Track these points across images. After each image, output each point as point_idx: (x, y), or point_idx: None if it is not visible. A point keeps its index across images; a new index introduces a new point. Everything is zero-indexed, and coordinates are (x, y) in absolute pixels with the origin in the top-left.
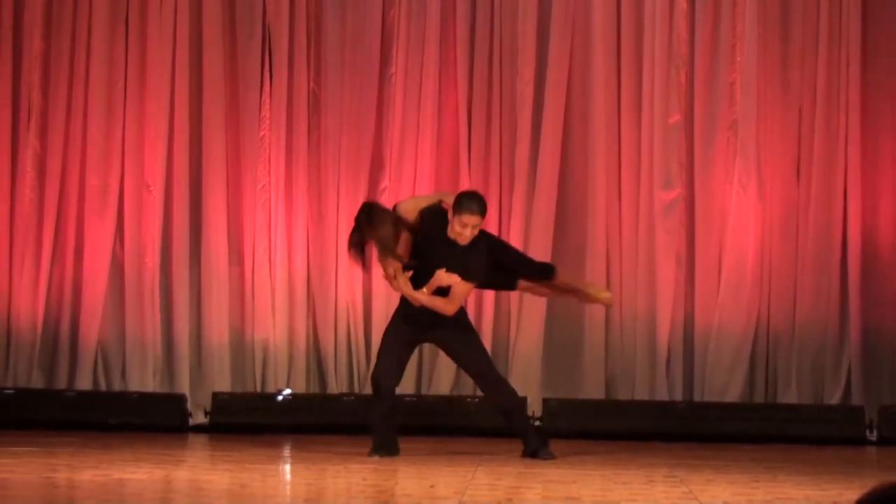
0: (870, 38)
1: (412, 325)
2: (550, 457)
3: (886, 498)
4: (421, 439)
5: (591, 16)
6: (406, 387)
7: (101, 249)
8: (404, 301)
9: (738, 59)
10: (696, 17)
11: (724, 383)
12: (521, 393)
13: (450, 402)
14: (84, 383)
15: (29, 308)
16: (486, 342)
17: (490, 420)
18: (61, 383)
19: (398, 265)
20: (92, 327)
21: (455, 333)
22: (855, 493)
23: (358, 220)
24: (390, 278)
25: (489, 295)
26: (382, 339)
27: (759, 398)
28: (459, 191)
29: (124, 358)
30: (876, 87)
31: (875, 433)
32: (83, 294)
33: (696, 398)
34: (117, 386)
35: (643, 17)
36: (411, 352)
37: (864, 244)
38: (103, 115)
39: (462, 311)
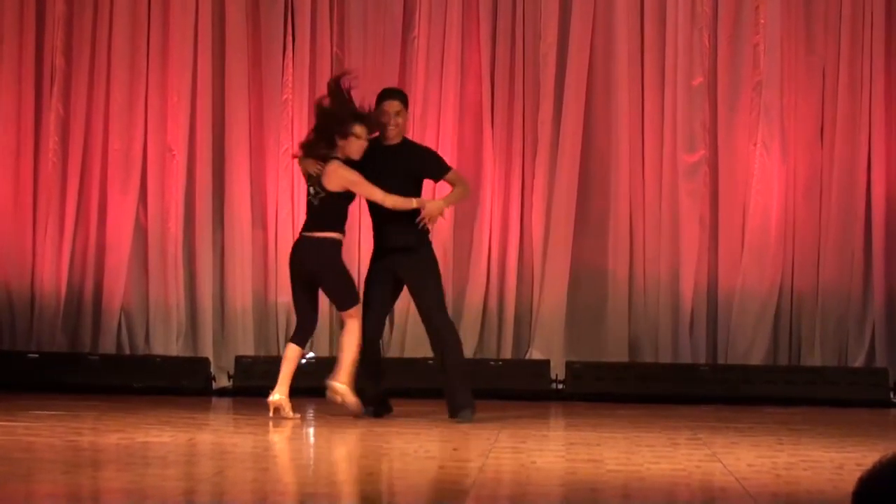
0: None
1: (385, 261)
2: (467, 420)
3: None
4: (443, 402)
5: None
6: (428, 350)
7: (124, 213)
8: (377, 238)
9: (762, 20)
10: None
11: (748, 346)
12: (544, 356)
13: (473, 365)
14: (108, 347)
15: (53, 272)
16: (509, 306)
17: (514, 383)
18: (85, 347)
19: None
20: (115, 291)
21: (417, 265)
22: (878, 455)
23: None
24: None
25: (512, 259)
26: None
27: (782, 360)
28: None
29: (148, 322)
30: None
31: None
32: (107, 258)
33: (720, 361)
34: (141, 350)
35: None
36: (394, 295)
37: (887, 205)
38: (126, 79)
39: (428, 246)
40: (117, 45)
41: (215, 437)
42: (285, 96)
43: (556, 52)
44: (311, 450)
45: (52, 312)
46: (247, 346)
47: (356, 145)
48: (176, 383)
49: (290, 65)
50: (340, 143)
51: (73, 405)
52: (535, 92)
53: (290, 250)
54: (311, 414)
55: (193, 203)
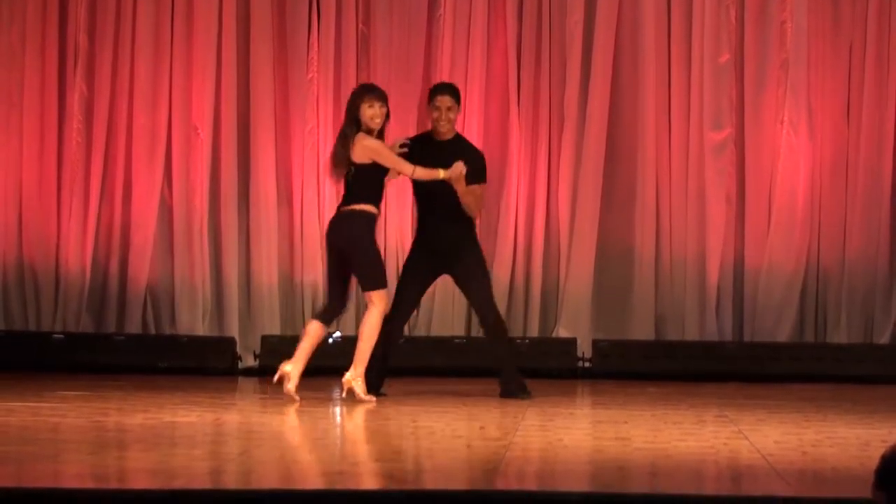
0: None
1: (430, 261)
2: (528, 396)
3: None
4: (471, 380)
5: None
6: (456, 328)
7: (149, 192)
8: (420, 230)
9: None
10: None
11: (774, 323)
12: (571, 334)
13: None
14: (133, 327)
15: (77, 252)
16: (536, 284)
17: (541, 361)
18: (110, 327)
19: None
20: (141, 270)
21: (467, 262)
22: None
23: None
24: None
25: (538, 237)
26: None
27: (808, 338)
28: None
29: (173, 301)
30: None
31: None
32: (132, 237)
33: (746, 338)
34: (166, 329)
35: None
36: (427, 286)
37: None
38: (150, 58)
39: (475, 239)
40: (141, 24)
41: (242, 416)
42: (310, 74)
43: (583, 28)
44: (338, 430)
45: (78, 293)
46: (273, 326)
47: (368, 113)
48: (202, 363)
49: (316, 43)
50: (361, 118)
51: (99, 385)
52: (561, 69)
53: (314, 229)
54: (336, 394)
55: (219, 181)
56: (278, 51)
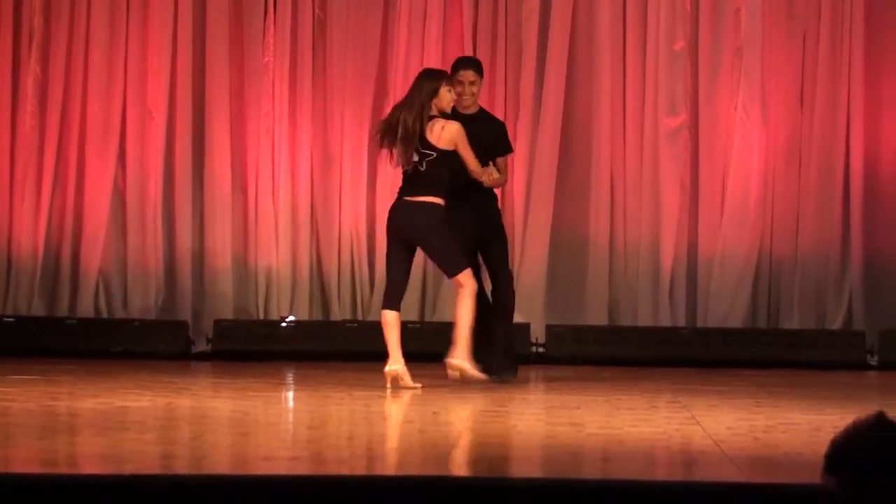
0: None
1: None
2: (511, 378)
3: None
4: (424, 366)
5: None
6: (408, 314)
7: (103, 176)
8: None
9: None
10: None
11: (727, 309)
12: (525, 320)
13: (453, 328)
14: (85, 311)
15: (30, 235)
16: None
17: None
18: (62, 311)
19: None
20: (94, 254)
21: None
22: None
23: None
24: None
25: None
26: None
27: (761, 324)
28: None
29: (126, 285)
30: (880, 13)
31: (876, 358)
32: (85, 221)
33: (700, 324)
34: (119, 313)
35: None
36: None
37: (866, 170)
38: (106, 41)
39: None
40: (97, 7)
41: (194, 401)
42: (266, 59)
43: (539, 15)
44: (291, 414)
45: (30, 276)
46: (226, 310)
47: (447, 98)
48: (154, 347)
49: (272, 27)
50: (434, 101)
51: (50, 370)
52: (517, 55)
53: (269, 213)
54: (289, 379)
55: (173, 165)
56: (234, 34)
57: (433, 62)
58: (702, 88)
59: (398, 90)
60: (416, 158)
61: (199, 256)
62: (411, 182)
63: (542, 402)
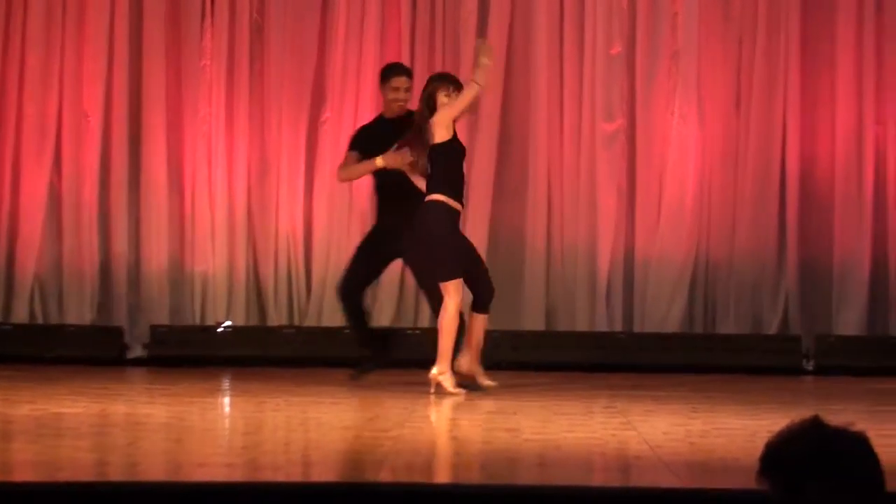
0: None
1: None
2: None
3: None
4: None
5: None
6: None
7: (38, 179)
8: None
9: None
10: None
11: (664, 314)
12: None
13: (392, 334)
14: (20, 316)
15: None
16: None
17: (431, 351)
18: None
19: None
20: (28, 259)
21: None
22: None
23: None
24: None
25: None
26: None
27: (698, 328)
28: None
29: (61, 290)
30: (815, 18)
31: (812, 363)
32: (20, 225)
33: (636, 329)
34: (54, 319)
35: None
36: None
37: (802, 174)
38: (41, 43)
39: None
40: (32, 10)
41: (129, 407)
42: (203, 62)
43: (477, 18)
44: (227, 421)
45: None
46: (162, 316)
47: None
48: (90, 353)
49: (209, 30)
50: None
51: None
52: (454, 57)
53: (206, 218)
54: (225, 384)
55: (109, 169)
56: (171, 38)
57: (371, 67)
58: (639, 93)
59: (335, 95)
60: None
61: (135, 261)
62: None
63: (478, 407)
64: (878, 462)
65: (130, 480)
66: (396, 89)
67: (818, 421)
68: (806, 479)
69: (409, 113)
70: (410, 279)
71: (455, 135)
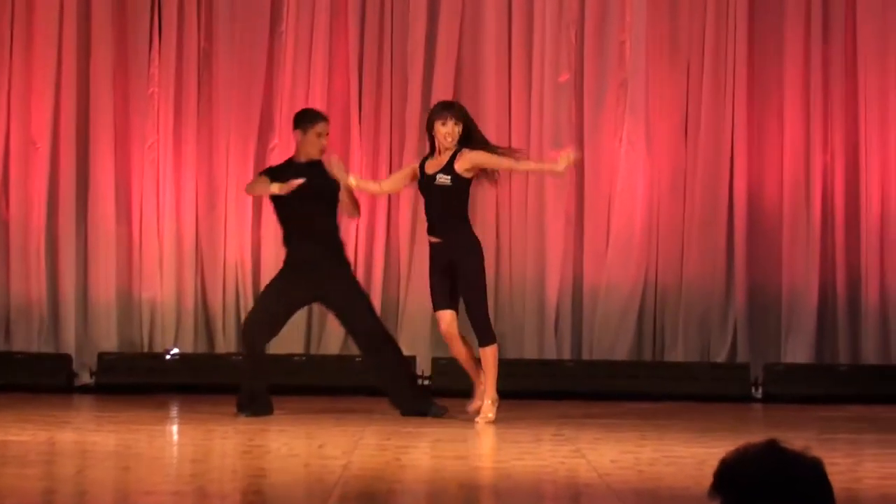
0: None
1: (301, 280)
2: (443, 411)
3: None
4: (310, 399)
5: None
6: (294, 346)
7: None
8: (293, 252)
9: (628, 18)
10: None
11: (613, 341)
12: (410, 352)
13: (339, 361)
14: None
15: None
16: (376, 301)
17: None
18: None
19: None
20: None
21: (343, 291)
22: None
23: None
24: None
25: (378, 256)
26: (264, 289)
27: (646, 356)
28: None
29: (9, 317)
30: (762, 46)
31: (760, 390)
32: None
33: (585, 356)
34: (1, 346)
35: None
36: (293, 310)
37: (749, 203)
38: None
39: (349, 267)
40: None
41: (76, 435)
42: (151, 90)
43: (424, 46)
44: (175, 448)
45: None
46: (110, 343)
47: (441, 132)
48: (37, 380)
49: (157, 57)
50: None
51: None
52: (402, 87)
53: (153, 245)
54: (174, 412)
55: (57, 196)
56: (119, 65)
57: (319, 94)
58: (587, 120)
59: (283, 122)
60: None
61: (83, 288)
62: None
63: (428, 435)
64: (831, 489)
65: None
66: (323, 134)
67: (775, 444)
68: (759, 501)
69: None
70: None
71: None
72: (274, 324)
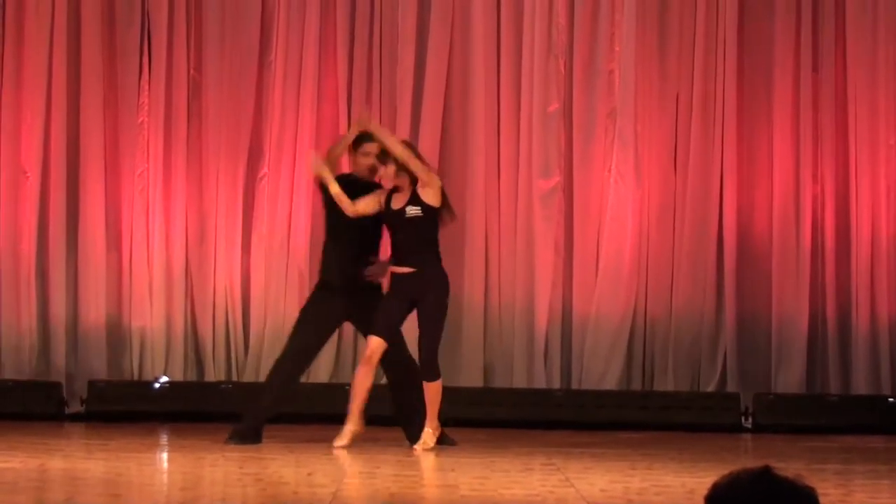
0: (745, 29)
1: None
2: (452, 442)
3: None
4: (299, 427)
5: (471, 4)
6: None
7: None
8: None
9: (617, 48)
10: (576, 6)
11: (602, 371)
12: None
13: (328, 390)
14: None
15: None
16: None
17: (369, 408)
18: None
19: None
20: None
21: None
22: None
23: None
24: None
25: None
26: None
27: (636, 386)
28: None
29: None
30: (751, 77)
31: (750, 420)
32: None
33: (574, 386)
34: None
35: (523, 6)
36: (330, 334)
37: (738, 233)
38: None
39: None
40: None
41: (66, 462)
42: (141, 119)
43: (413, 75)
44: (165, 476)
45: None
46: (100, 370)
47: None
48: (27, 408)
49: (147, 87)
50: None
51: None
52: (391, 116)
53: (143, 273)
54: (163, 440)
55: (47, 225)
56: (108, 94)
57: (308, 124)
58: (576, 150)
59: (272, 151)
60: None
61: (73, 316)
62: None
63: (416, 463)
64: None
65: None
66: (368, 154)
67: (769, 471)
68: None
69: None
70: (348, 334)
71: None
72: (313, 355)
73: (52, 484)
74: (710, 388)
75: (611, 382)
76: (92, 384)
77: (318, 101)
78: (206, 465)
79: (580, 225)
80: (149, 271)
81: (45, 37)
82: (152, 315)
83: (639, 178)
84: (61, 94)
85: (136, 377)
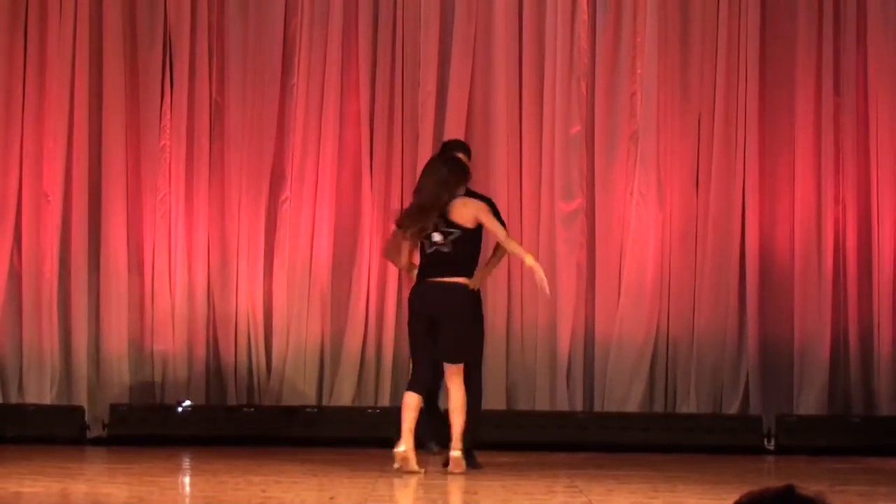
0: (767, 51)
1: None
2: (478, 466)
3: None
4: (322, 450)
5: (492, 27)
6: (307, 397)
7: None
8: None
9: (639, 70)
10: (597, 29)
11: (624, 393)
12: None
13: (351, 413)
14: None
15: None
16: (387, 354)
17: (391, 430)
18: None
19: None
20: None
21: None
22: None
23: None
24: None
25: (390, 307)
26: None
27: (658, 408)
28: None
29: (21, 369)
30: (773, 99)
31: (773, 442)
32: None
33: (597, 408)
34: (14, 398)
35: (545, 29)
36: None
37: (761, 254)
38: (1, 123)
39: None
40: None
41: (89, 486)
42: (163, 142)
43: (435, 98)
44: (188, 500)
45: None
46: (122, 395)
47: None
48: (50, 432)
49: (168, 110)
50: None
51: None
52: (413, 139)
53: (165, 297)
54: (186, 464)
55: (69, 248)
56: (131, 117)
57: (330, 147)
58: (598, 172)
59: (295, 174)
60: (438, 238)
61: (95, 340)
62: (435, 262)
63: (438, 487)
64: None
65: None
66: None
67: (792, 489)
68: None
69: None
70: (370, 358)
71: None
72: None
73: None
74: (733, 410)
75: (633, 404)
76: (114, 408)
77: (340, 124)
78: (228, 489)
79: (602, 247)
80: (171, 295)
81: (67, 60)
82: (174, 338)
83: (661, 200)
84: (83, 117)
85: (158, 401)
